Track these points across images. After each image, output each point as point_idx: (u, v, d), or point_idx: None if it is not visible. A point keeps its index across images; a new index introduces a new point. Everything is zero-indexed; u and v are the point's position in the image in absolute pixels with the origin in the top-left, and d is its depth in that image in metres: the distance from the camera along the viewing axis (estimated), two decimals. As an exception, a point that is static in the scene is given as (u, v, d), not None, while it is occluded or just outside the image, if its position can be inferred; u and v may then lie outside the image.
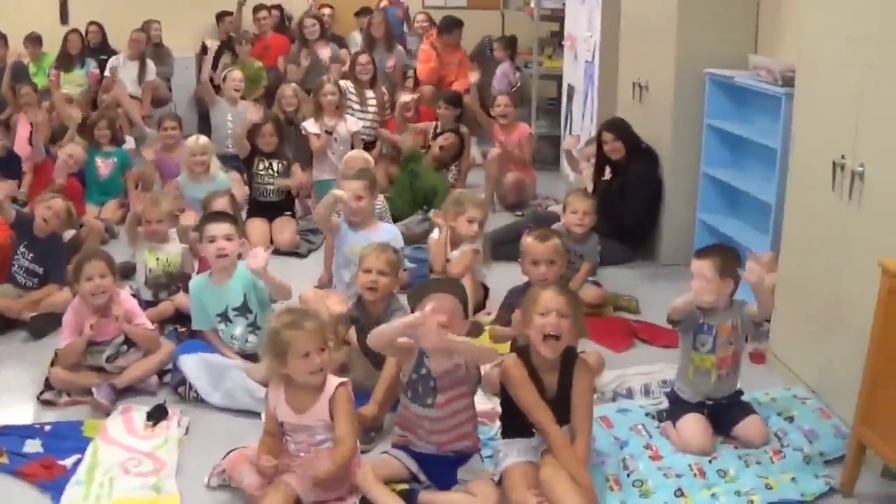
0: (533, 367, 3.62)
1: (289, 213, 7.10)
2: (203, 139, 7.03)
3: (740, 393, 4.08)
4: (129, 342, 4.70)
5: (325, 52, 9.53)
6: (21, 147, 7.87)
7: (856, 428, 3.57)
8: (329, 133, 7.64)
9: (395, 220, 6.65)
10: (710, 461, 3.77)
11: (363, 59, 8.71)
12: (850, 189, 3.90)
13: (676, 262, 6.10)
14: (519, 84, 9.64)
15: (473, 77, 8.19)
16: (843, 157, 3.94)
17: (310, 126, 7.70)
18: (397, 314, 4.29)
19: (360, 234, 5.33)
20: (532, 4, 9.13)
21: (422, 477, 3.65)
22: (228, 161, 7.62)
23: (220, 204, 5.67)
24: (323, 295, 5.20)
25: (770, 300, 4.01)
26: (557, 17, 8.89)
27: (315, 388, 3.57)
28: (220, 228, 4.74)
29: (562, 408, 3.58)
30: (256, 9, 10.69)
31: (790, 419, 4.06)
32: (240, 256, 4.79)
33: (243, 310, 4.72)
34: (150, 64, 9.95)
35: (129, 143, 8.44)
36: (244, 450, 3.72)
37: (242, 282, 4.72)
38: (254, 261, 4.47)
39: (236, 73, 8.70)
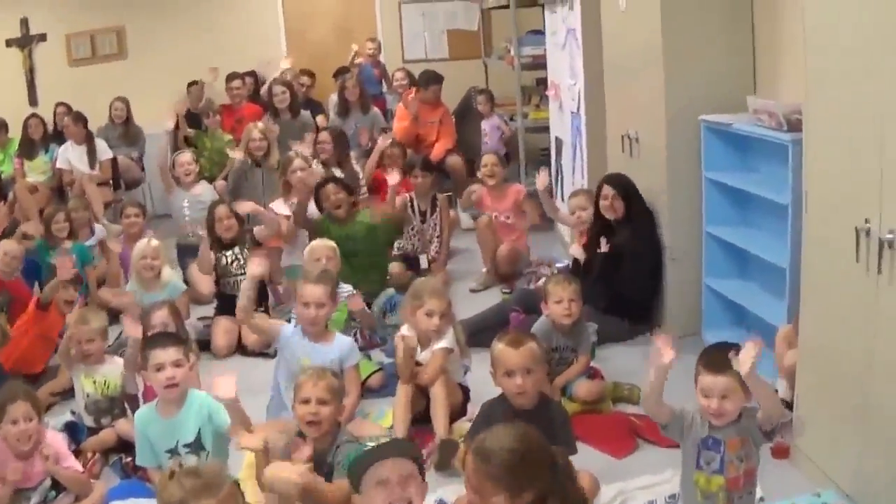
0: None
1: (260, 308, 6.35)
2: (154, 242, 6.36)
3: (759, 511, 3.38)
4: (58, 487, 4.19)
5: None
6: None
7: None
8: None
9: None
10: None
11: (322, 136, 8.14)
12: (879, 260, 3.22)
13: (684, 334, 5.34)
14: (510, 136, 8.97)
15: (542, 181, 6.70)
16: (866, 221, 3.27)
17: (278, 207, 7.06)
18: (344, 448, 3.63)
19: (315, 346, 4.71)
20: (512, 52, 8.48)
21: None
22: (189, 253, 6.96)
23: (160, 317, 5.02)
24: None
25: (774, 400, 3.31)
26: (539, 64, 8.26)
27: None
28: (166, 354, 4.08)
29: None
30: (229, 78, 10.04)
31: (816, 536, 3.38)
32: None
33: (196, 446, 4.04)
34: (101, 144, 9.34)
35: (101, 232, 7.77)
36: None
37: (196, 413, 4.06)
38: (224, 390, 3.77)
39: (184, 157, 7.97)
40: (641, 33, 5.56)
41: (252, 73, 10.48)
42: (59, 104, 10.04)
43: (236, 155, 7.93)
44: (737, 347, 3.17)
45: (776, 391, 3.37)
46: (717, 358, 3.26)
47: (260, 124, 8.14)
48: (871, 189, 3.26)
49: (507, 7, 8.63)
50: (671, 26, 5.26)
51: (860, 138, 3.35)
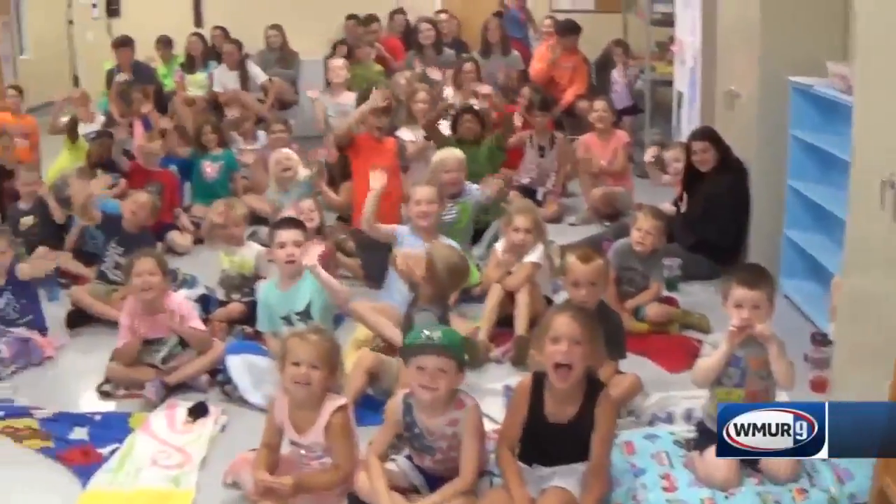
0: (541, 394, 3.51)
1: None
2: (285, 151, 7.17)
3: (775, 425, 3.82)
4: (184, 344, 4.85)
5: (434, 73, 9.32)
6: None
7: (878, 473, 3.29)
8: (429, 139, 7.54)
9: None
10: (725, 497, 3.53)
11: (467, 66, 8.73)
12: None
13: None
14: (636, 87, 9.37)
15: (649, 154, 7.14)
16: (893, 174, 3.64)
17: (404, 134, 7.68)
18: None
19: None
20: (645, 8, 8.88)
21: (424, 492, 3.61)
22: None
23: (307, 205, 6.00)
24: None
25: (785, 369, 3.65)
26: (671, 21, 8.60)
27: (312, 408, 3.56)
28: (289, 234, 4.83)
29: (581, 440, 3.46)
30: (367, 21, 10.70)
31: (828, 455, 3.78)
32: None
33: (305, 315, 4.76)
34: (254, 69, 10.06)
35: (262, 139, 8.60)
36: (249, 454, 3.73)
37: (309, 288, 4.77)
38: (308, 258, 4.60)
39: (337, 62, 9.05)
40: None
41: (401, 11, 11.10)
42: (215, 27, 10.80)
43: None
44: None
45: (791, 364, 3.71)
46: (752, 274, 3.75)
47: (407, 73, 8.87)
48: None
49: (644, -37, 8.97)
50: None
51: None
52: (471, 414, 3.53)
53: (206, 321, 5.20)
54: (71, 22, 13.16)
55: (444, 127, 7.78)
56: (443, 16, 10.72)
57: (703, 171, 6.20)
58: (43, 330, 5.40)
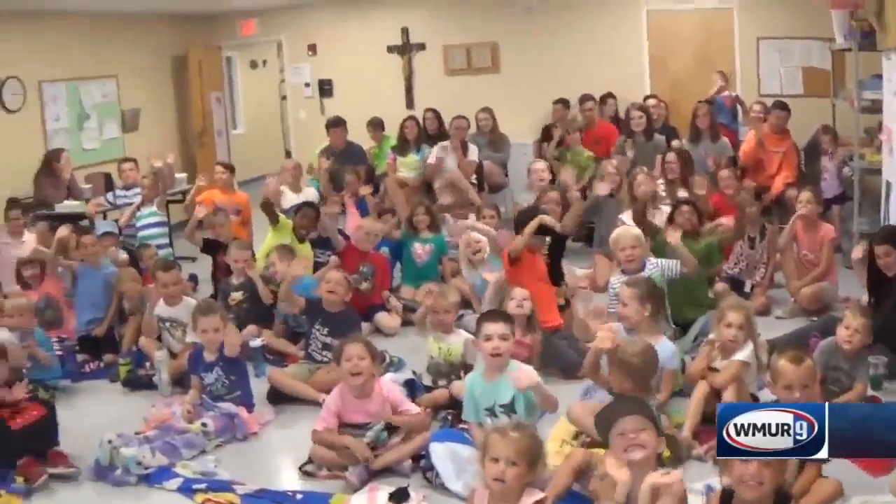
0: None
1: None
2: (474, 234, 7.50)
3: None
4: (390, 429, 4.98)
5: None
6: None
7: None
8: None
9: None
10: None
11: (669, 157, 8.77)
12: None
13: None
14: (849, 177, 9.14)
15: (857, 253, 6.68)
16: None
17: (626, 218, 7.77)
18: None
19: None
20: (853, 94, 8.68)
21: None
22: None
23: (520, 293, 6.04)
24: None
25: None
26: (878, 108, 8.37)
27: (510, 502, 3.63)
28: (495, 328, 4.82)
29: None
30: (582, 99, 10.85)
31: None
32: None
33: (509, 408, 4.79)
34: (472, 147, 10.27)
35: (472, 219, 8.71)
36: None
37: None
38: (519, 381, 4.53)
39: (538, 164, 9.28)
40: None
41: (612, 95, 11.22)
42: (427, 109, 11.19)
43: (599, 191, 8.61)
44: None
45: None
46: None
47: (614, 160, 8.94)
48: None
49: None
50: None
51: None
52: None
53: (411, 407, 5.36)
54: (284, 98, 13.99)
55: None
56: (651, 101, 10.75)
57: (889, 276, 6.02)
58: (249, 406, 5.73)
